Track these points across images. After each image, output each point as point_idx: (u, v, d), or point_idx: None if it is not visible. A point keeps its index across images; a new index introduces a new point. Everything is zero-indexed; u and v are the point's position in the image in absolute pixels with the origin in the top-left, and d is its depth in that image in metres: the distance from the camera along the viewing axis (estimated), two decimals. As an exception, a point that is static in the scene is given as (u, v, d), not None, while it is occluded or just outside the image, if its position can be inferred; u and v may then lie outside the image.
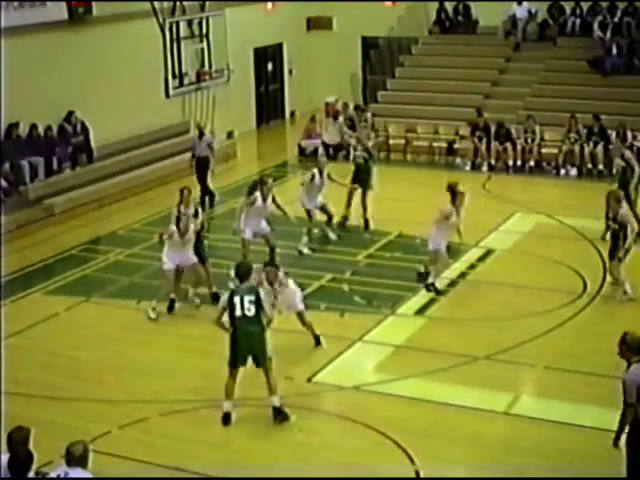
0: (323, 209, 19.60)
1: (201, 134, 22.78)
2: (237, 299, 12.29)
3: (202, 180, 22.26)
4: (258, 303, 12.32)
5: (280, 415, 12.57)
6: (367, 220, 20.45)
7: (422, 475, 11.33)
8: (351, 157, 22.77)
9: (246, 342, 12.39)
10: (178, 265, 16.16)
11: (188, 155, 23.11)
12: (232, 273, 14.29)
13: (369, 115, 27.14)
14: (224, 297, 12.59)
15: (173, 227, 16.06)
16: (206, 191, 22.25)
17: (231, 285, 14.86)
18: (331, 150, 27.02)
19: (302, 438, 12.22)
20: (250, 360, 12.53)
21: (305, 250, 19.14)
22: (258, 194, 17.65)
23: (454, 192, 16.83)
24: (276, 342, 14.86)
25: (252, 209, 17.63)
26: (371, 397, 13.28)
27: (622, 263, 16.17)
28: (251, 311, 12.27)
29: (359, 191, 20.46)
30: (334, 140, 27.15)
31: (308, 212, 19.47)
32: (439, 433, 12.23)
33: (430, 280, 16.80)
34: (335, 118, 27.59)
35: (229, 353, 12.49)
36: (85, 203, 22.46)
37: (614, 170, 20.78)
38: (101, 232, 20.98)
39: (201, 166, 22.38)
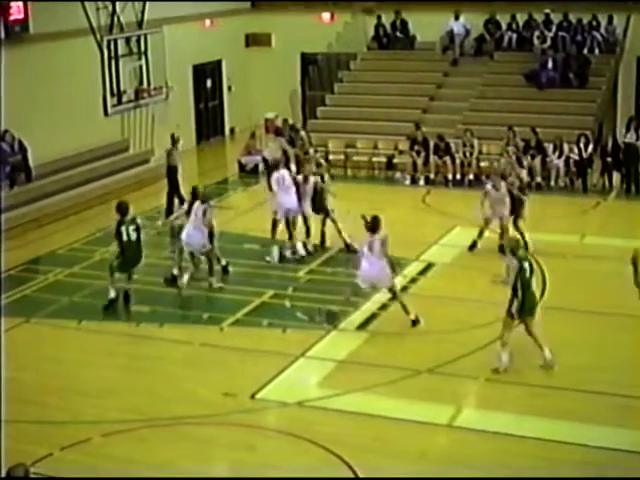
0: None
1: (174, 143, 23.16)
2: (123, 228, 16.61)
3: (177, 187, 22.58)
4: (138, 230, 16.75)
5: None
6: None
7: (366, 490, 11.36)
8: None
9: (131, 257, 16.82)
10: None
11: (129, 172, 23.03)
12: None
13: (303, 134, 27.27)
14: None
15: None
16: (180, 197, 22.44)
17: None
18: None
19: (246, 456, 12.18)
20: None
21: None
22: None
23: None
24: (218, 359, 14.97)
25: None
26: (315, 413, 13.28)
27: None
28: (133, 237, 16.65)
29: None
30: (274, 156, 27.11)
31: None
32: (383, 447, 12.26)
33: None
34: (276, 134, 27.61)
35: (118, 264, 16.81)
36: (24, 223, 22.19)
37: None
38: (40, 252, 20.75)
39: (174, 174, 22.89)
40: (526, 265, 14.10)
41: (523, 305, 14.05)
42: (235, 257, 19.15)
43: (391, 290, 16.32)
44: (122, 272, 17.03)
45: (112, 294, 17.00)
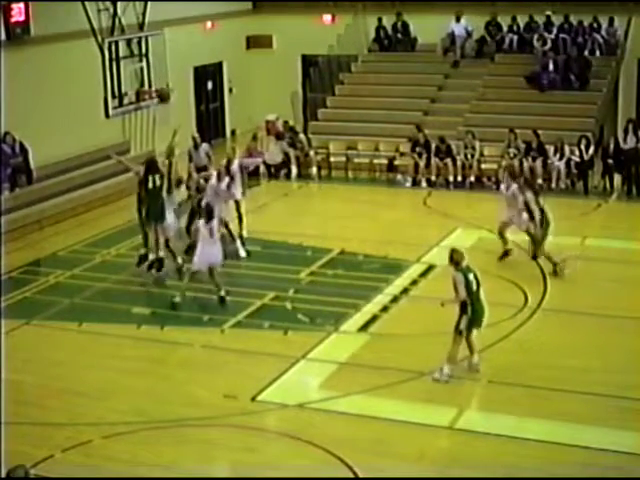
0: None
1: (196, 144, 23.36)
2: (150, 177, 18.05)
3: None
4: (162, 178, 18.30)
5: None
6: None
7: (368, 492, 11.33)
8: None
9: (154, 208, 18.11)
10: None
11: (130, 174, 22.92)
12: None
13: (302, 137, 27.32)
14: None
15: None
16: None
17: None
18: (273, 169, 27.05)
19: (246, 457, 12.16)
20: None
21: None
22: None
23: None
24: (219, 361, 14.95)
25: None
26: (316, 415, 13.26)
27: None
28: (158, 183, 18.13)
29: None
30: (275, 159, 27.15)
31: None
32: (384, 449, 12.23)
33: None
34: (277, 138, 27.62)
35: (145, 213, 18.21)
36: (25, 225, 22.16)
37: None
38: (41, 254, 20.73)
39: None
40: (471, 277, 13.90)
41: (472, 320, 13.93)
42: (236, 259, 19.14)
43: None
44: (148, 221, 18.39)
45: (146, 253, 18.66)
